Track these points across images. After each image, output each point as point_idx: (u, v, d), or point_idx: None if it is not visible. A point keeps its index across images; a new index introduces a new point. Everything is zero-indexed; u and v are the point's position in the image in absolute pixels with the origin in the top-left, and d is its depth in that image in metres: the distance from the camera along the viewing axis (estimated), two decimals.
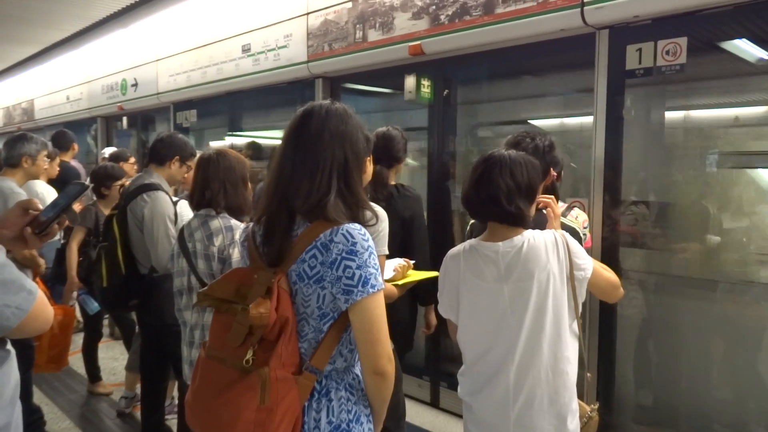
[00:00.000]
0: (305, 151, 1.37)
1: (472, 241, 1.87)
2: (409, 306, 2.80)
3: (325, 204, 1.33)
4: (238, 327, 1.30)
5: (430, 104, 3.82)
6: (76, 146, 5.67)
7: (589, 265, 1.80)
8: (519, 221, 1.76)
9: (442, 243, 3.45)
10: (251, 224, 1.49)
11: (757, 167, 2.90)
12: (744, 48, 2.72)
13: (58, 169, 4.47)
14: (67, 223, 1.51)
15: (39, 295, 1.26)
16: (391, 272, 2.13)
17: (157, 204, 2.82)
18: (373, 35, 3.87)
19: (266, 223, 1.40)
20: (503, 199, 1.73)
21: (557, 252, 1.74)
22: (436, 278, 1.97)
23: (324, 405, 1.35)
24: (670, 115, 3.18)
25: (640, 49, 2.72)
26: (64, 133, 5.65)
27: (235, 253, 2.35)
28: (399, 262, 2.23)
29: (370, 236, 1.34)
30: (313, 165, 1.35)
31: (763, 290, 2.77)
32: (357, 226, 1.33)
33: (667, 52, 2.65)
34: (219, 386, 1.31)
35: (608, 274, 1.91)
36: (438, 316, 2.29)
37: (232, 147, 5.62)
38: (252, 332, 1.29)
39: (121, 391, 3.85)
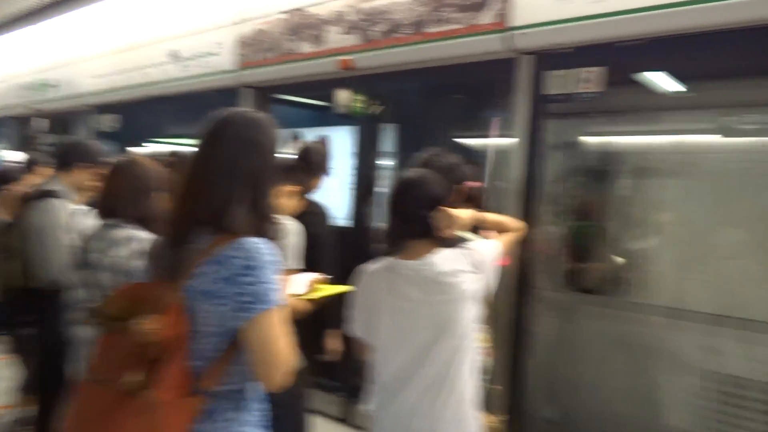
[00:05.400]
0: (212, 156, 1.32)
1: (390, 259, 1.86)
2: (312, 330, 2.72)
3: (227, 213, 1.26)
4: (126, 346, 1.20)
5: (359, 119, 3.80)
6: None
7: (490, 272, 1.86)
8: (427, 232, 1.80)
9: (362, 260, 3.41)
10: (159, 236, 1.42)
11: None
12: (656, 80, 2.88)
13: None
14: None
15: None
16: (303, 287, 2.07)
17: (53, 212, 2.64)
18: (305, 47, 3.83)
19: (168, 232, 1.32)
20: (416, 213, 1.79)
21: (467, 267, 1.78)
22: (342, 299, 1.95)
23: (209, 427, 1.27)
24: (588, 141, 3.30)
25: (561, 76, 2.80)
26: None
27: (141, 265, 2.23)
28: (312, 276, 2.18)
29: (271, 250, 1.28)
30: (219, 171, 1.29)
31: (665, 311, 2.88)
32: (257, 239, 1.26)
33: (587, 80, 2.74)
34: (101, 411, 1.21)
35: (511, 236, 2.14)
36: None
37: (154, 154, 5.42)
38: (140, 352, 1.19)
39: (14, 413, 3.55)
